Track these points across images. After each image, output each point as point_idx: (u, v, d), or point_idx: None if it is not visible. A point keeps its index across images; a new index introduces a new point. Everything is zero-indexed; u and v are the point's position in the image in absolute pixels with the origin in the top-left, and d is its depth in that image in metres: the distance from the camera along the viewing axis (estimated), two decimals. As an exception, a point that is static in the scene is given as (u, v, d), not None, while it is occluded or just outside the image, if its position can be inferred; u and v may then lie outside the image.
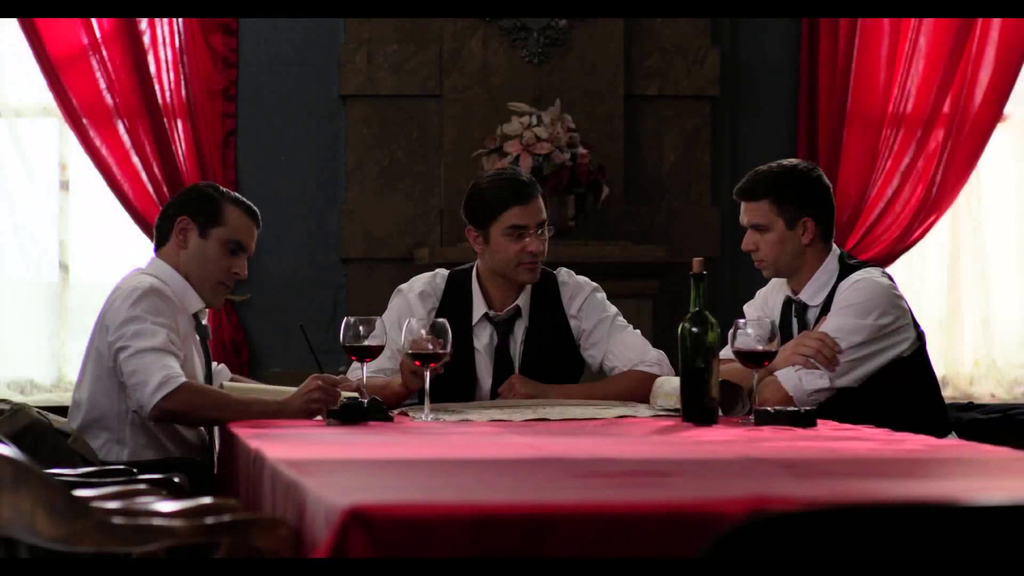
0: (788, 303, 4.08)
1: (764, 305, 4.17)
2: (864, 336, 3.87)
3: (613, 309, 4.24)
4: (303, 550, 2.23)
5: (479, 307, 4.18)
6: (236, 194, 4.07)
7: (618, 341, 4.18)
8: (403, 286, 4.25)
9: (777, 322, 4.04)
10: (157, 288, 3.84)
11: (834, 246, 4.06)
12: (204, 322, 4.04)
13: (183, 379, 3.69)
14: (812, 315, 4.02)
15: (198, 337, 3.99)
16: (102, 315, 3.89)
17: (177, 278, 3.94)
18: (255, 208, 4.04)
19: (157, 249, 4.02)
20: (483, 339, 4.17)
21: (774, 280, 4.19)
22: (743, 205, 4.04)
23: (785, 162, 4.10)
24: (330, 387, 3.61)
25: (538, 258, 4.11)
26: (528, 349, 4.17)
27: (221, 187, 4.11)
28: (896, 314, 3.93)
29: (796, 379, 3.85)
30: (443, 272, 4.26)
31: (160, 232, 4.02)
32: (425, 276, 4.27)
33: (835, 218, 4.11)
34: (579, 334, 4.21)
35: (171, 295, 3.88)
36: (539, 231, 4.11)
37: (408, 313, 4.08)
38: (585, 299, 4.22)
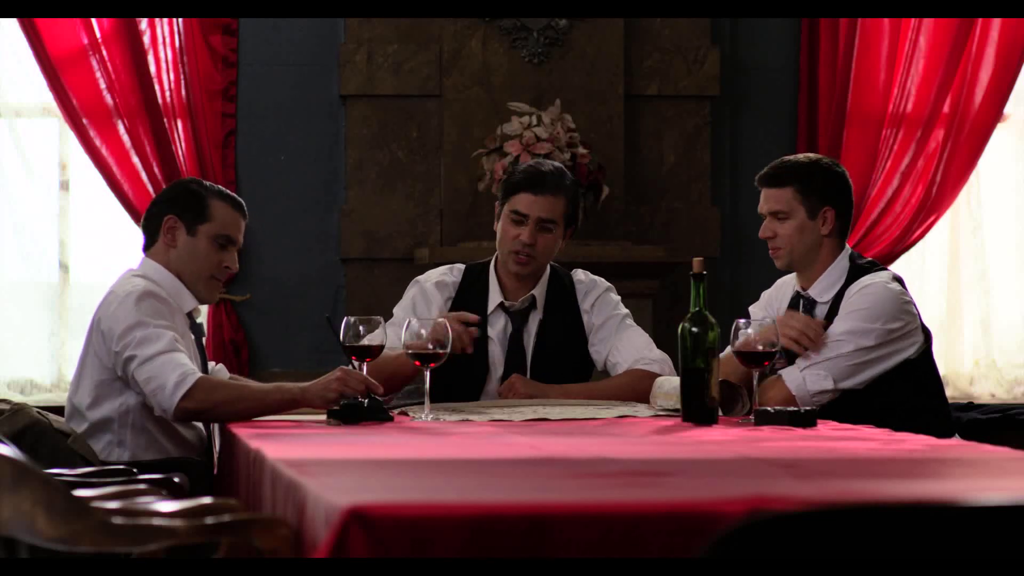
0: (796, 299, 4.09)
1: (769, 306, 4.17)
2: (872, 340, 3.88)
3: (625, 310, 4.28)
4: (303, 550, 2.23)
5: (495, 297, 4.21)
6: (220, 187, 4.06)
7: (623, 339, 4.20)
8: (420, 277, 4.30)
9: (784, 321, 4.05)
10: (151, 291, 3.83)
11: (846, 246, 4.08)
12: (199, 321, 4.04)
13: (198, 374, 3.68)
14: (820, 311, 4.02)
15: (193, 336, 3.99)
16: (97, 320, 3.87)
17: (169, 278, 3.93)
18: (240, 200, 4.04)
19: (146, 249, 4.00)
20: (497, 329, 4.20)
21: (779, 281, 4.20)
22: (764, 192, 4.05)
23: (811, 155, 4.16)
24: (353, 380, 3.58)
25: (528, 250, 4.13)
26: (541, 341, 4.20)
27: (205, 182, 4.10)
28: (905, 320, 3.93)
29: (800, 379, 3.86)
30: (460, 265, 4.31)
31: (148, 232, 4.00)
32: (442, 268, 4.32)
33: (852, 218, 4.13)
34: (590, 329, 4.24)
35: (165, 296, 3.87)
36: (539, 226, 4.12)
37: (424, 302, 4.13)
38: (598, 296, 4.26)
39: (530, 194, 4.14)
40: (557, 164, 4.32)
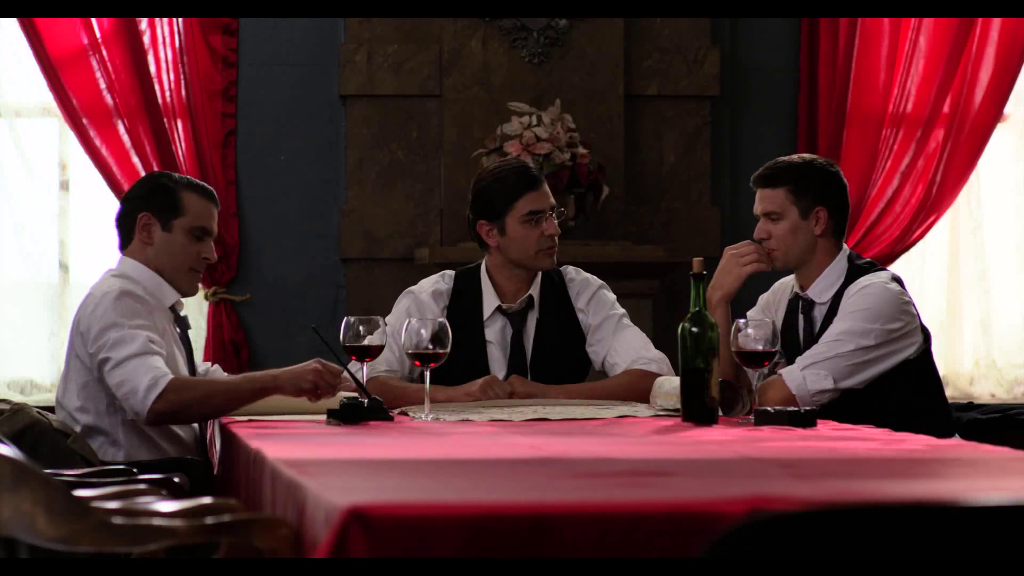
0: (795, 300, 4.09)
1: (767, 309, 4.18)
2: (872, 340, 3.88)
3: (621, 309, 4.28)
4: (303, 550, 2.23)
5: (491, 301, 4.21)
6: (189, 178, 4.08)
7: (621, 339, 4.21)
8: (413, 288, 4.27)
9: (780, 324, 4.05)
10: (128, 290, 3.82)
11: (844, 246, 4.08)
12: (182, 314, 4.04)
13: (169, 376, 3.68)
14: (819, 312, 4.03)
15: (178, 330, 3.98)
16: (76, 322, 3.86)
17: (149, 274, 3.93)
18: (211, 189, 4.05)
19: (123, 247, 4.00)
20: (495, 332, 4.20)
21: (776, 284, 4.20)
22: (759, 193, 4.07)
23: (805, 155, 4.17)
24: (328, 373, 3.60)
25: (555, 241, 4.19)
26: (540, 341, 4.20)
27: (174, 174, 4.10)
28: (905, 320, 3.94)
29: (800, 379, 3.86)
30: (449, 272, 4.30)
31: (123, 230, 4.00)
32: (433, 277, 4.30)
33: (848, 218, 4.13)
34: (587, 328, 4.25)
35: (143, 293, 3.86)
36: (552, 214, 4.17)
37: (420, 313, 4.11)
38: (593, 295, 4.26)
39: (534, 191, 4.17)
40: (519, 158, 4.39)
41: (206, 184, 4.07)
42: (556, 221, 4.20)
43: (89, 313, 3.81)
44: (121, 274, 3.92)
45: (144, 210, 3.95)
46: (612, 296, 4.31)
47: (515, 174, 4.20)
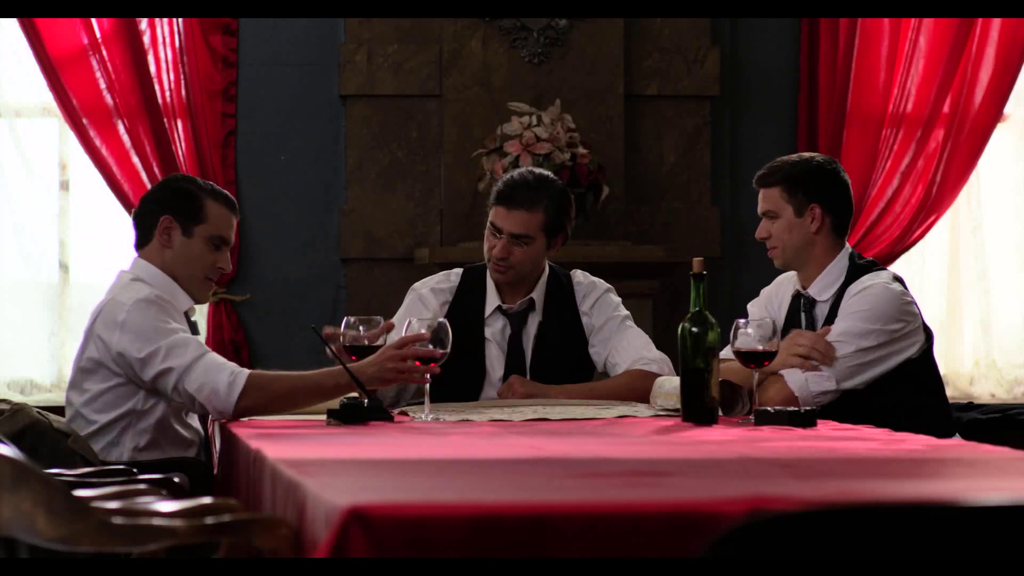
0: (797, 298, 4.10)
1: (769, 303, 4.18)
2: (873, 340, 3.88)
3: (624, 311, 4.27)
4: (303, 550, 2.23)
5: (492, 300, 4.21)
6: (212, 185, 4.04)
7: (623, 340, 4.21)
8: (416, 284, 4.29)
9: (782, 319, 4.06)
10: (157, 295, 3.82)
11: (846, 245, 4.08)
12: (193, 319, 4.03)
13: (245, 372, 3.69)
14: (820, 311, 4.03)
15: None
16: (99, 327, 3.79)
17: (164, 279, 3.91)
18: (233, 199, 4.03)
19: (139, 247, 3.98)
20: (495, 331, 4.20)
21: (780, 277, 4.20)
22: (760, 193, 4.09)
23: (805, 154, 4.19)
24: (406, 351, 3.55)
25: (503, 263, 4.13)
26: (540, 343, 4.20)
27: (197, 179, 4.08)
28: (906, 320, 3.94)
29: (802, 380, 3.86)
30: (458, 270, 4.31)
31: (141, 231, 3.97)
32: (439, 274, 4.31)
33: (850, 217, 4.13)
34: (590, 331, 4.24)
35: (168, 298, 3.86)
36: (512, 241, 4.12)
37: (420, 308, 4.11)
38: (598, 298, 4.26)
39: (503, 208, 4.14)
40: (541, 174, 4.21)
41: (228, 193, 4.04)
42: (517, 249, 4.11)
43: (121, 321, 3.76)
44: (137, 277, 3.89)
45: (166, 213, 3.93)
46: (617, 299, 4.30)
47: (505, 184, 4.17)
